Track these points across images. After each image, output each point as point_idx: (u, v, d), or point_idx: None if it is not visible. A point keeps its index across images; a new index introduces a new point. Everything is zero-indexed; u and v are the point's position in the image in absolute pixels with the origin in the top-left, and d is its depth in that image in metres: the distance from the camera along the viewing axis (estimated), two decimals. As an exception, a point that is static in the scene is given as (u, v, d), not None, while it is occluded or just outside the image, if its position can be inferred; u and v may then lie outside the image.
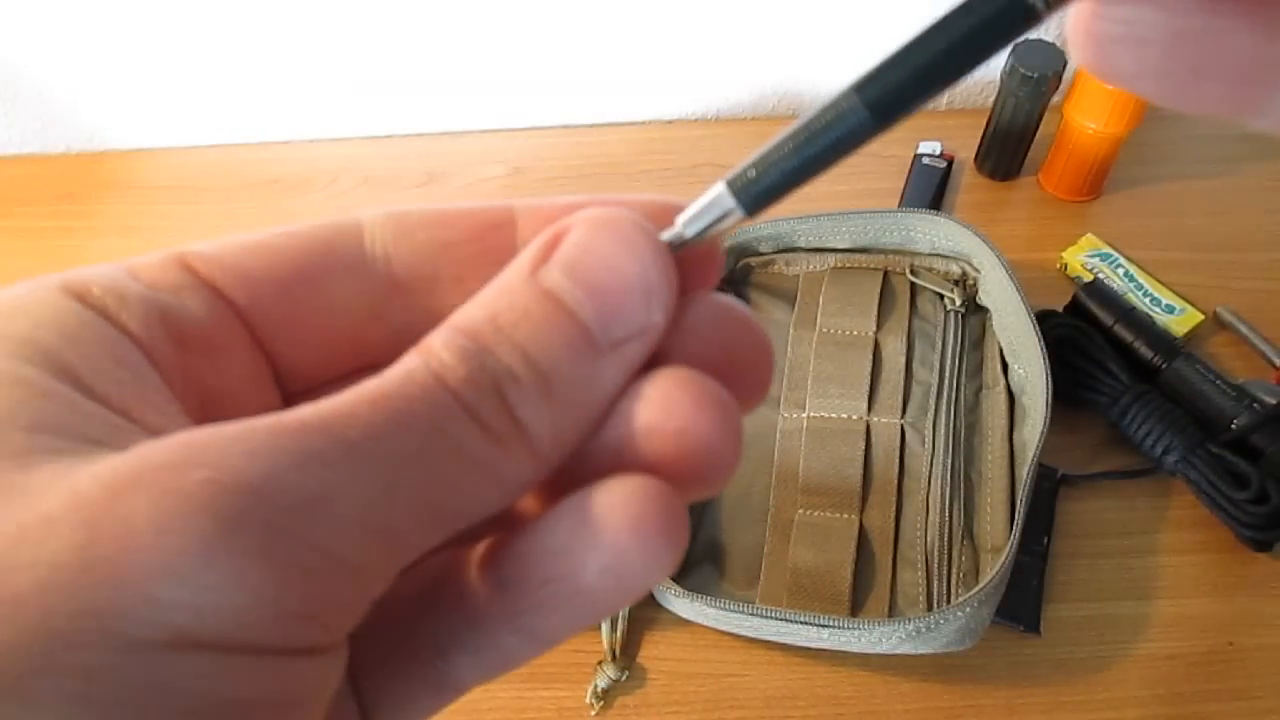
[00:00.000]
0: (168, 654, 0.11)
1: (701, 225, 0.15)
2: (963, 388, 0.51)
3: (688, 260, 0.15)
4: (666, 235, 0.15)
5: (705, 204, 0.15)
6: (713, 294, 0.15)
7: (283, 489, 0.11)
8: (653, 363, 0.14)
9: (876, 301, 0.54)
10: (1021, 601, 0.46)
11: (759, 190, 0.14)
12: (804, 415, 0.51)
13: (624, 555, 0.13)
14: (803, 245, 0.56)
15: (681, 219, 0.15)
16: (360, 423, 0.12)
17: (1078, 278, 0.58)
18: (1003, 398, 0.50)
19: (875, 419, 0.50)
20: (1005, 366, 0.51)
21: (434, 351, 0.13)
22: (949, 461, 0.48)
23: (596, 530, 0.13)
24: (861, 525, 0.47)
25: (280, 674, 0.12)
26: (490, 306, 0.13)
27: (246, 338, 0.15)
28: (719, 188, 0.15)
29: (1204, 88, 0.14)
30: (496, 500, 0.13)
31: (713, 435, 0.13)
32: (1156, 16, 0.13)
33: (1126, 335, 0.52)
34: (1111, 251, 0.59)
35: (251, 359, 0.15)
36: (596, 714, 0.45)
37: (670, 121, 0.73)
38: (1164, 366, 0.51)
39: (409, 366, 0.13)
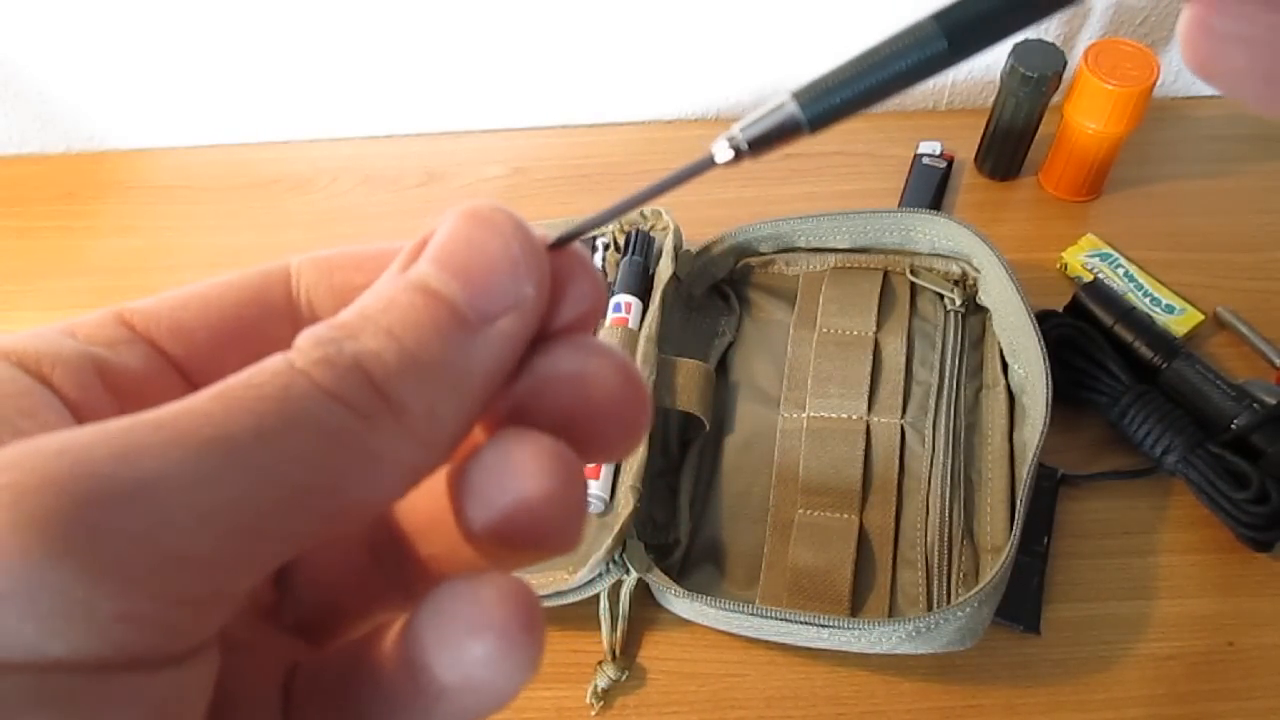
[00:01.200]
0: None
1: (759, 131, 0.14)
2: (963, 388, 0.51)
3: (559, 276, 0.14)
4: (724, 140, 0.14)
5: (768, 110, 0.14)
6: (585, 337, 0.15)
7: (96, 481, 0.11)
8: (517, 415, 0.14)
9: (876, 301, 0.54)
10: (1021, 601, 0.46)
11: (826, 106, 0.14)
12: (804, 415, 0.51)
13: (482, 665, 0.13)
14: (803, 245, 0.56)
15: (739, 126, 0.14)
16: (197, 412, 0.11)
17: (1078, 278, 0.58)
18: (1003, 398, 0.50)
19: (875, 419, 0.50)
20: (1005, 366, 0.51)
21: (294, 344, 0.13)
22: (949, 461, 0.48)
23: (455, 642, 0.13)
24: (861, 525, 0.47)
25: (120, 690, 0.11)
26: (358, 304, 0.13)
27: (184, 386, 0.15)
28: (784, 96, 0.14)
29: None
30: (380, 483, 0.13)
31: (548, 508, 0.13)
32: (1272, 17, 0.13)
33: (1126, 335, 0.52)
34: (1111, 251, 0.59)
35: None
36: (596, 714, 0.45)
37: (670, 121, 0.73)
38: (1164, 366, 0.51)
39: (264, 361, 0.12)
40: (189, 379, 0.15)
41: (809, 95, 0.14)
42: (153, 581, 0.11)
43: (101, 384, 0.14)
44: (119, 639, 0.11)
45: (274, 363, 0.12)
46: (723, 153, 0.15)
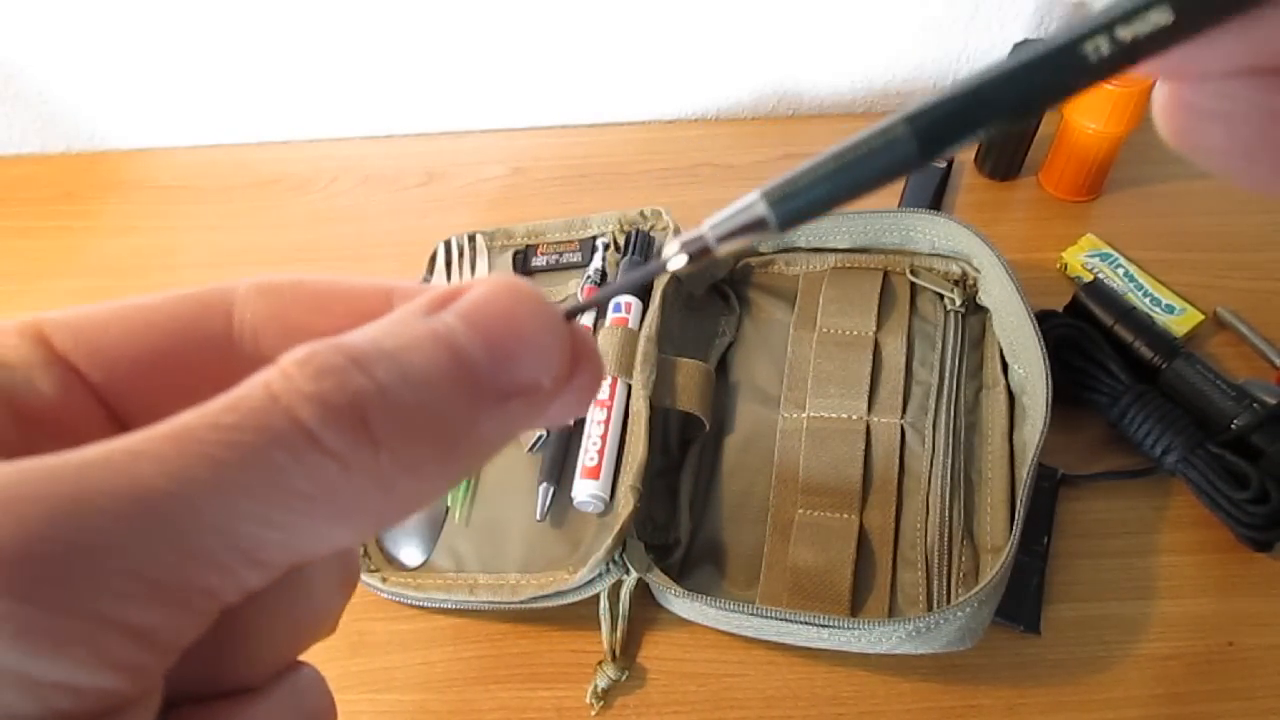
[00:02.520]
0: None
1: (728, 230, 0.14)
2: (963, 388, 0.51)
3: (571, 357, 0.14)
4: (690, 236, 0.14)
5: (737, 209, 0.14)
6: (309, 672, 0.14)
7: (35, 542, 0.10)
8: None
9: (876, 301, 0.54)
10: (1021, 601, 0.46)
11: (795, 206, 0.14)
12: (804, 415, 0.51)
13: None
14: (803, 245, 0.56)
15: (709, 223, 0.14)
16: (153, 454, 0.10)
17: (1078, 278, 0.58)
18: (1003, 398, 0.50)
19: (875, 419, 0.50)
20: (1005, 366, 0.51)
21: (284, 368, 0.11)
22: (949, 461, 0.48)
23: None
24: (861, 525, 0.47)
25: None
26: (374, 333, 0.12)
27: (101, 414, 0.14)
28: (753, 196, 0.14)
29: None
30: (335, 538, 0.12)
31: None
32: (1252, 94, 0.13)
33: (1126, 335, 0.52)
34: (1111, 251, 0.59)
35: (105, 436, 0.14)
36: (596, 714, 0.45)
37: (670, 121, 0.73)
38: (1164, 366, 0.51)
39: (238, 391, 0.11)
40: (107, 406, 0.14)
41: (778, 195, 0.14)
42: (86, 651, 0.10)
43: (9, 412, 0.13)
44: (56, 705, 0.10)
45: (251, 393, 0.11)
46: (675, 261, 0.15)
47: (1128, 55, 0.12)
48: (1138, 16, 0.12)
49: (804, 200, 0.14)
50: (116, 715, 0.11)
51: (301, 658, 0.14)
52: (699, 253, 0.15)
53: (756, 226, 0.14)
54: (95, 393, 0.14)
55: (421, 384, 0.11)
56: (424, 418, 0.11)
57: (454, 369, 0.12)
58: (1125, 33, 0.12)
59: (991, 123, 0.13)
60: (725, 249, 0.14)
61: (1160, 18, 0.12)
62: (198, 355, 0.14)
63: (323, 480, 0.11)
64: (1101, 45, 0.12)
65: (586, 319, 0.54)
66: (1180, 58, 0.12)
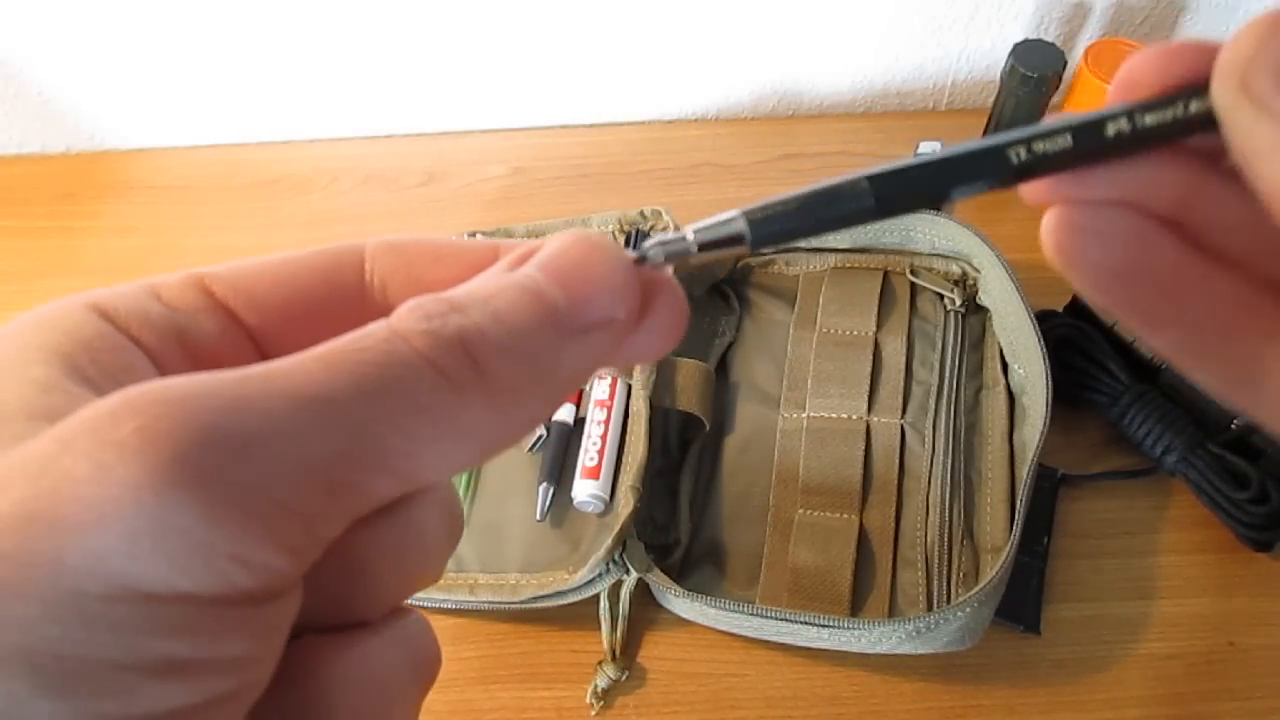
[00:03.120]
0: (105, 605, 0.11)
1: (707, 238, 0.16)
2: (963, 388, 0.51)
3: (650, 301, 0.16)
4: (672, 237, 0.16)
5: (719, 221, 0.16)
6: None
7: (216, 432, 0.11)
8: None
9: (876, 301, 0.54)
10: (1021, 601, 0.46)
11: (769, 230, 0.16)
12: (804, 415, 0.51)
13: None
14: (803, 245, 0.56)
15: (692, 227, 0.16)
16: (304, 369, 0.12)
17: (1078, 278, 0.58)
18: (1003, 398, 0.50)
19: (875, 419, 0.50)
20: (1005, 366, 0.51)
21: (400, 313, 0.14)
22: (949, 461, 0.48)
23: None
24: (861, 525, 0.47)
25: (224, 623, 0.12)
26: (470, 286, 0.15)
27: (256, 354, 0.16)
28: (735, 213, 0.16)
29: (1162, 310, 0.16)
30: (456, 452, 0.13)
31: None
32: (1127, 220, 0.16)
33: (1126, 335, 0.52)
34: (1111, 251, 0.59)
35: None
36: (596, 714, 0.45)
37: (670, 121, 0.73)
38: (1164, 366, 0.50)
39: (368, 327, 0.13)
40: (260, 348, 0.16)
41: (757, 216, 0.16)
42: (261, 528, 0.12)
43: (181, 349, 0.15)
44: (233, 578, 0.12)
45: (377, 328, 0.13)
46: (654, 252, 0.17)
47: (1037, 164, 0.16)
48: (1049, 138, 0.16)
49: (777, 226, 0.16)
50: (274, 600, 0.12)
51: None
52: (678, 254, 0.16)
53: (734, 241, 0.16)
54: (251, 335, 0.16)
55: (510, 321, 0.14)
56: (517, 348, 0.14)
57: (536, 307, 0.14)
58: (1040, 147, 0.16)
59: (938, 192, 0.16)
60: (701, 258, 0.16)
61: (1064, 142, 0.16)
62: (335, 302, 0.16)
63: (439, 397, 0.13)
64: (1020, 152, 0.16)
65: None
66: (1072, 180, 0.16)
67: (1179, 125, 0.15)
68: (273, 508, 0.12)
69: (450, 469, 0.14)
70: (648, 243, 0.17)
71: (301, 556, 0.13)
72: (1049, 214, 0.16)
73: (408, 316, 0.13)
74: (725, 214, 0.16)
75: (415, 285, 0.16)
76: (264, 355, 0.16)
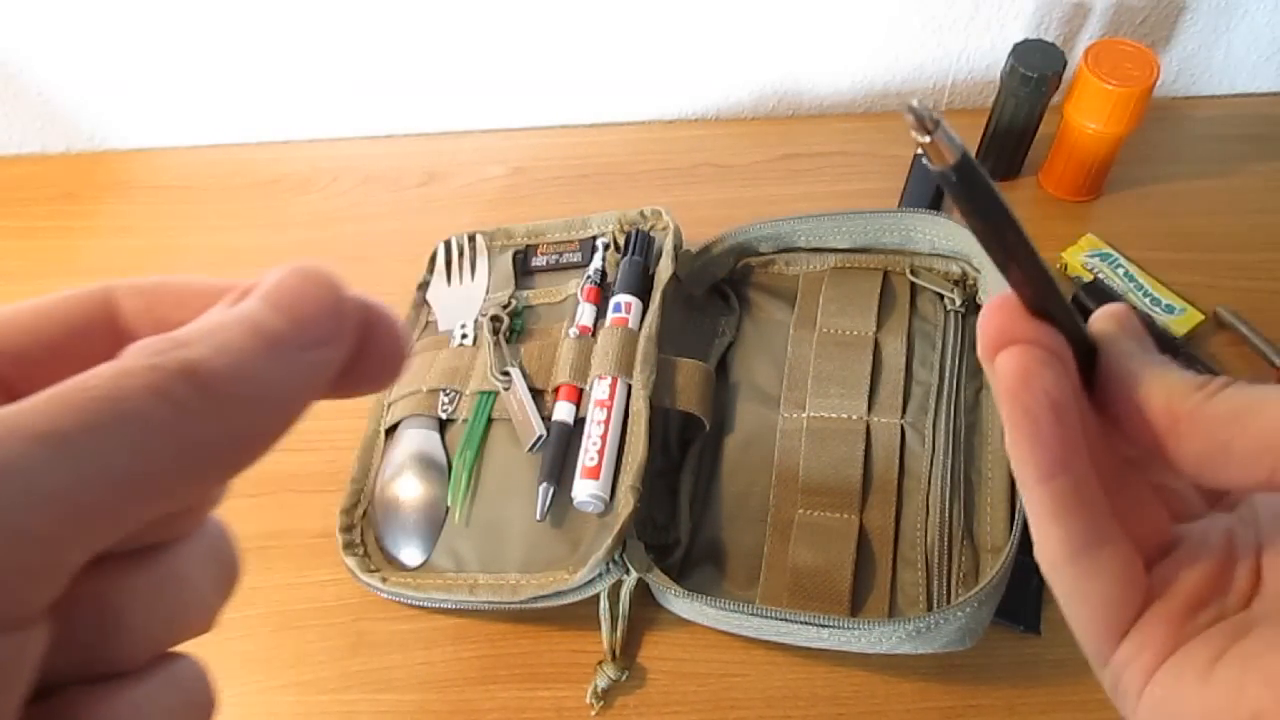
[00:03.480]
0: None
1: (946, 136, 0.18)
2: (963, 388, 0.51)
3: (370, 329, 0.17)
4: (930, 112, 0.18)
5: (953, 133, 0.18)
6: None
7: None
8: None
9: (876, 301, 0.54)
10: (1021, 601, 0.46)
11: (978, 183, 0.19)
12: (804, 415, 0.51)
13: None
14: (803, 245, 0.56)
15: (947, 122, 0.18)
16: (36, 409, 0.13)
17: (1078, 278, 0.58)
18: (1003, 398, 0.50)
19: (875, 419, 0.50)
20: (1005, 366, 0.51)
21: (129, 351, 0.14)
22: (949, 461, 0.48)
23: None
24: (861, 525, 0.47)
25: None
26: (190, 324, 0.15)
27: (8, 400, 0.17)
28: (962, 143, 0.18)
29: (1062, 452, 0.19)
30: (196, 469, 0.14)
31: None
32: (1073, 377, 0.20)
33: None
34: (1111, 251, 0.59)
35: None
36: (596, 714, 0.45)
37: (670, 121, 0.73)
38: (1164, 366, 0.50)
39: (95, 369, 0.14)
40: (13, 394, 0.16)
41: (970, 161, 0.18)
42: (6, 553, 0.12)
43: None
44: None
45: (105, 367, 0.14)
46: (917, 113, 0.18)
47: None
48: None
49: (982, 184, 0.18)
50: (13, 631, 0.13)
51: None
52: (923, 123, 0.17)
53: (947, 168, 0.18)
54: (4, 383, 0.16)
55: (233, 348, 0.15)
56: (241, 373, 0.14)
57: (255, 335, 0.15)
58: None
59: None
60: (935, 138, 0.18)
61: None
62: (89, 345, 0.17)
63: (170, 422, 0.14)
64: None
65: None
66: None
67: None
68: (11, 533, 0.12)
69: (196, 489, 0.14)
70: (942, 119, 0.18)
71: (46, 580, 0.13)
72: (1023, 349, 0.20)
73: (135, 354, 0.14)
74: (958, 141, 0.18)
75: (159, 325, 0.17)
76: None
